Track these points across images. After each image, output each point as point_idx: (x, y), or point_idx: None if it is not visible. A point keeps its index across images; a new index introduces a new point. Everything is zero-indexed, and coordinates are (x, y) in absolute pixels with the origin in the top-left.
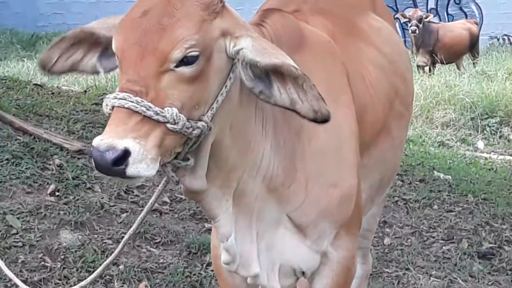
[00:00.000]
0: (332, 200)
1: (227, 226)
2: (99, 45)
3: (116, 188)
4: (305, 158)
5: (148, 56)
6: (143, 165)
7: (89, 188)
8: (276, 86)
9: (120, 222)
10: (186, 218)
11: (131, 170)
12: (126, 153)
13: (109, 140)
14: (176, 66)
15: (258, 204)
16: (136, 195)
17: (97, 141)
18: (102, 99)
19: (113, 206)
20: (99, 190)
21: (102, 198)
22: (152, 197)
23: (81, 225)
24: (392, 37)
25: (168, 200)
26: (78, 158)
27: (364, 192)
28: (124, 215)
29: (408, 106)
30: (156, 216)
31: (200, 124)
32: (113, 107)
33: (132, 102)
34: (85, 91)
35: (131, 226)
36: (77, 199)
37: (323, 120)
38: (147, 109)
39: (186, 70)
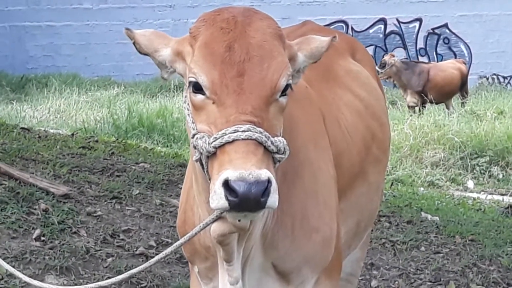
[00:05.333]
0: (314, 245)
1: (239, 270)
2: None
3: (102, 232)
4: (291, 202)
5: (258, 86)
6: (276, 195)
7: (75, 233)
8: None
9: (106, 267)
10: (173, 262)
11: (271, 201)
12: (268, 184)
13: (255, 172)
14: (279, 96)
15: (252, 252)
16: (122, 239)
17: (239, 174)
18: (89, 142)
19: (98, 250)
20: (85, 235)
21: (88, 242)
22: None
23: (67, 270)
24: (369, 81)
25: (154, 244)
26: (64, 202)
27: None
28: (110, 259)
29: (385, 150)
30: (142, 260)
31: (287, 155)
32: (233, 140)
33: (257, 133)
34: (72, 134)
35: (117, 271)
36: (63, 244)
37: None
38: (267, 140)
39: (284, 100)
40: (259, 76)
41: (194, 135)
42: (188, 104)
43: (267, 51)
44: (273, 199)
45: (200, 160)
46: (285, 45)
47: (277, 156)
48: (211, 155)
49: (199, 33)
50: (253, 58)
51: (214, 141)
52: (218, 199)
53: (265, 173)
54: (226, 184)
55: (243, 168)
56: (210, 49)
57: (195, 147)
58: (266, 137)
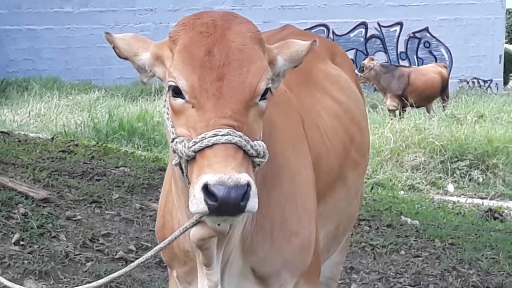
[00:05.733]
0: (293, 249)
1: (218, 274)
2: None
3: (82, 236)
4: (269, 206)
5: (237, 90)
6: (256, 199)
7: (54, 237)
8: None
9: (85, 271)
10: (152, 266)
11: (250, 205)
12: (248, 188)
13: (234, 176)
14: (259, 100)
15: (232, 256)
16: (102, 243)
17: (219, 178)
18: (69, 146)
19: (78, 255)
20: (64, 239)
21: (67, 247)
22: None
23: (46, 275)
24: (348, 85)
25: (134, 248)
26: (44, 207)
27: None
28: (89, 263)
29: (364, 154)
30: (122, 265)
31: (267, 159)
32: (213, 144)
33: (237, 137)
34: (52, 138)
35: (96, 275)
36: (42, 248)
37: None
38: (247, 143)
39: (263, 104)
40: (238, 80)
41: (173, 139)
42: (167, 108)
43: (247, 55)
44: (252, 203)
45: (179, 164)
46: (264, 49)
47: (256, 160)
48: (191, 159)
49: (178, 37)
50: (233, 62)
51: (193, 145)
52: (198, 203)
53: (244, 177)
54: (206, 188)
55: (223, 172)
56: (190, 53)
57: (174, 151)
58: (245, 141)
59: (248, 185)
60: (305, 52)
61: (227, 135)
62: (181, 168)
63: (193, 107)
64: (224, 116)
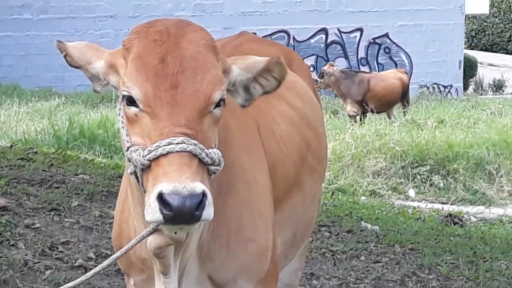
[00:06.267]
0: (250, 255)
1: (175, 282)
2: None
3: (41, 244)
4: (225, 213)
5: (191, 99)
6: (211, 208)
7: (13, 245)
8: (252, 87)
9: (44, 279)
10: (112, 274)
11: (206, 213)
12: (203, 197)
13: (189, 185)
14: (213, 108)
15: (189, 264)
16: (61, 251)
17: (173, 187)
18: (28, 154)
19: (37, 263)
20: (23, 247)
21: (26, 255)
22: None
23: (4, 283)
24: (305, 91)
25: (93, 256)
26: (2, 215)
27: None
28: (48, 271)
29: (321, 160)
30: (81, 272)
31: (222, 166)
32: (168, 152)
33: (191, 145)
34: (11, 146)
35: (56, 283)
36: (0, 257)
37: (281, 77)
38: (202, 151)
39: (218, 111)
40: (192, 88)
41: (128, 147)
42: (122, 116)
43: (201, 63)
44: (208, 212)
45: (135, 173)
46: (218, 57)
47: (212, 168)
48: (146, 168)
49: (132, 45)
50: (187, 70)
51: (148, 153)
52: (153, 212)
53: (199, 186)
54: (161, 198)
55: (178, 181)
56: (143, 62)
57: (129, 160)
58: (200, 149)
59: (204, 194)
60: (263, 64)
61: (181, 143)
62: (136, 177)
63: (147, 115)
64: (178, 125)
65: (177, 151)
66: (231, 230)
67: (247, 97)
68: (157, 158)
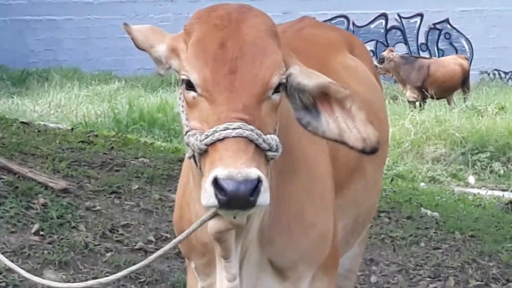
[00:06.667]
0: (311, 241)
1: (237, 266)
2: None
3: (101, 227)
4: (286, 198)
5: (249, 84)
6: (267, 194)
7: (74, 227)
8: (323, 116)
9: (105, 262)
10: (171, 257)
11: (261, 199)
12: (258, 183)
13: (244, 171)
14: (272, 93)
15: (250, 248)
16: (121, 234)
17: (228, 173)
18: (89, 136)
19: (97, 245)
20: (84, 229)
21: (87, 237)
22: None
23: (66, 265)
24: (367, 76)
25: (153, 239)
26: (63, 197)
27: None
28: (108, 254)
29: (382, 145)
30: (141, 255)
31: (280, 152)
32: (224, 137)
33: (248, 130)
34: (72, 129)
35: (116, 266)
36: (62, 239)
37: (372, 149)
38: (258, 137)
39: (277, 97)
40: (251, 73)
41: (186, 132)
42: (182, 100)
43: (260, 48)
44: (263, 198)
45: (193, 157)
46: (279, 42)
47: (269, 153)
48: (203, 153)
49: (193, 29)
50: (246, 55)
51: (205, 138)
52: (208, 197)
53: (255, 172)
54: (216, 182)
55: (233, 167)
56: (203, 47)
57: (187, 144)
58: (257, 134)
59: (259, 179)
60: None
61: (238, 128)
62: (195, 161)
63: (205, 100)
64: (235, 110)
65: (233, 136)
66: (291, 215)
67: (310, 120)
68: (213, 143)
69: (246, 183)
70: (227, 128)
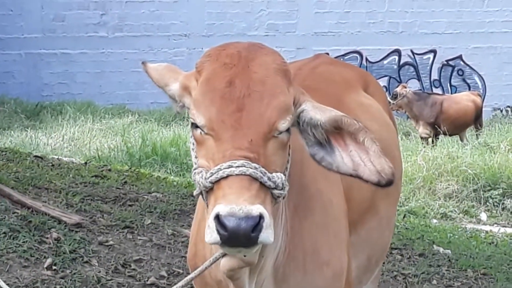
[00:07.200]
0: (325, 279)
1: None
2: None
3: (114, 262)
4: (302, 234)
5: (256, 122)
6: (270, 231)
7: (86, 262)
8: (337, 151)
9: None
10: None
11: (263, 236)
12: (260, 220)
13: (246, 208)
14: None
15: (264, 286)
16: (134, 269)
17: (230, 209)
18: (102, 171)
19: (110, 280)
20: (96, 264)
21: (99, 272)
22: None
23: None
24: (381, 115)
25: (165, 274)
26: (76, 232)
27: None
28: None
29: (396, 183)
30: None
31: (286, 191)
32: (228, 175)
33: (252, 168)
34: (86, 163)
35: None
36: (74, 273)
37: (387, 182)
38: (263, 175)
39: (285, 136)
40: (258, 111)
41: (194, 169)
42: (192, 138)
43: (269, 87)
44: (265, 235)
45: (201, 194)
46: (290, 82)
47: (275, 192)
48: (209, 190)
49: (203, 68)
50: (253, 93)
51: (210, 176)
52: (211, 233)
53: (256, 209)
54: (218, 219)
55: (235, 203)
56: (211, 86)
57: (194, 182)
58: (262, 172)
59: (261, 216)
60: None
61: (241, 166)
62: (203, 198)
63: (211, 138)
64: (240, 148)
65: (236, 174)
66: (306, 252)
67: (324, 156)
68: (218, 180)
69: (247, 220)
70: (230, 166)
